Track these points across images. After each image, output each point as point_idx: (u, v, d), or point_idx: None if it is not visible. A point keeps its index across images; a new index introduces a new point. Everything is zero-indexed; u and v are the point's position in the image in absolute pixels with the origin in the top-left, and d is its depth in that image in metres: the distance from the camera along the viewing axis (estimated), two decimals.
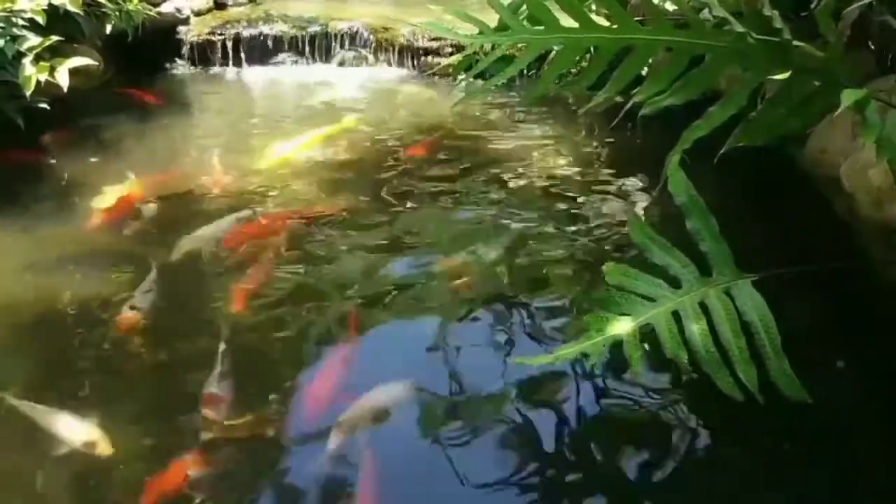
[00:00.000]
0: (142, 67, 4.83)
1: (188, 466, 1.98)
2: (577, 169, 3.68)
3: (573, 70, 3.77)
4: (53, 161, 3.69)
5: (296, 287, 2.76)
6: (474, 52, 3.38)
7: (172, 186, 3.47)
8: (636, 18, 2.35)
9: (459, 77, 4.64)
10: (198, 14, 5.35)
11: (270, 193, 3.43)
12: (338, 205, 3.30)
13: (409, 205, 3.35)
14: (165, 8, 5.03)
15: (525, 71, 4.09)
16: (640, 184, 3.46)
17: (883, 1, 2.06)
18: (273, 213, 3.24)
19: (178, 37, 5.16)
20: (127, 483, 1.96)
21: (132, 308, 2.57)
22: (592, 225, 3.17)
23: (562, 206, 3.35)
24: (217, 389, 2.21)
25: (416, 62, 5.07)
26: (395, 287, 2.79)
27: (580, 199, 3.38)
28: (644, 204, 3.27)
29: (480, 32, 2.58)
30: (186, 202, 3.38)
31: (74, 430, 2.08)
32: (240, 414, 2.15)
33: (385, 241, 3.06)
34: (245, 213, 3.20)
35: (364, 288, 2.77)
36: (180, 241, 2.95)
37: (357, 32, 5.15)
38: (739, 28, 2.06)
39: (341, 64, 5.16)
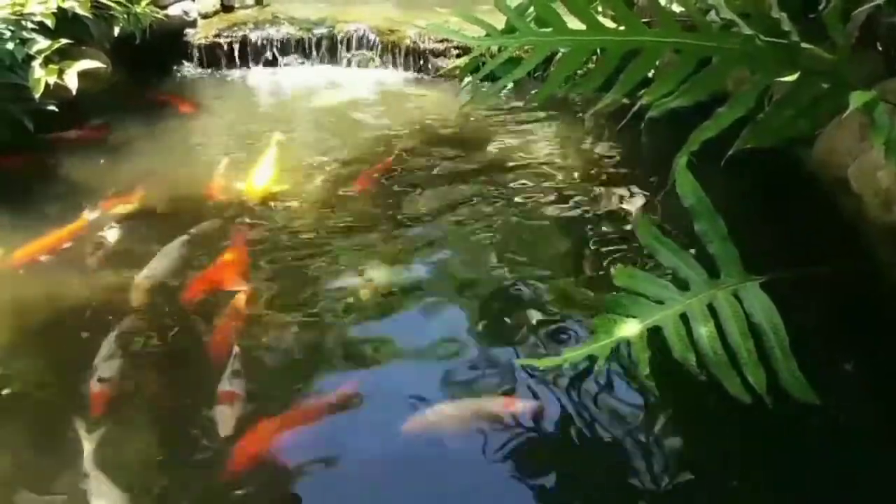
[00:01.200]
0: (149, 70, 4.85)
1: None
2: (583, 170, 3.68)
3: (580, 71, 3.77)
4: (63, 163, 3.71)
5: (281, 330, 2.57)
6: (481, 55, 3.38)
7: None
8: (643, 20, 2.36)
9: (466, 79, 4.64)
10: (205, 16, 5.36)
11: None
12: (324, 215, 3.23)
13: (412, 207, 3.35)
14: (173, 11, 5.04)
15: (531, 73, 4.10)
16: (648, 185, 3.46)
17: (892, 2, 2.05)
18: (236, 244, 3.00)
19: (186, 39, 5.18)
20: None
21: (100, 381, 2.29)
22: (599, 226, 3.17)
23: (568, 207, 3.34)
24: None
25: (422, 64, 5.08)
26: (395, 290, 2.80)
27: (587, 201, 3.38)
28: (651, 205, 3.26)
29: (487, 35, 2.59)
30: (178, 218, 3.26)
31: None
32: None
33: (386, 244, 3.07)
34: (188, 236, 3.01)
35: (362, 292, 2.77)
36: (136, 281, 2.74)
37: (363, 35, 5.16)
38: (747, 30, 2.07)
39: (348, 66, 5.17)
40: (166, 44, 4.98)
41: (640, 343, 2.08)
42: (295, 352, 2.51)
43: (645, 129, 2.63)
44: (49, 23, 3.76)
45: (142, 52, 4.61)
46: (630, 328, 2.11)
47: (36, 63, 3.67)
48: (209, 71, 5.17)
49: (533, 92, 4.47)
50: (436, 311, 2.73)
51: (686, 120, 2.41)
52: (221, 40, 5.18)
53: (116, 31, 4.37)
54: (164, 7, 4.92)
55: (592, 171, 3.66)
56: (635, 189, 3.47)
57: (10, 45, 3.62)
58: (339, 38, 5.17)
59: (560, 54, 2.90)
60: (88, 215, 3.22)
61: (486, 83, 3.78)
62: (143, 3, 4.54)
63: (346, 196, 3.45)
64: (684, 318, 2.13)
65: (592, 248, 3.04)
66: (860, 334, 2.37)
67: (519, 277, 2.87)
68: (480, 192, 3.47)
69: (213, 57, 5.18)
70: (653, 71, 2.56)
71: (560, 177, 3.63)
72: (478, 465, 2.06)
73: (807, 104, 2.26)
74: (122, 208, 3.27)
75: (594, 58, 3.23)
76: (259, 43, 5.19)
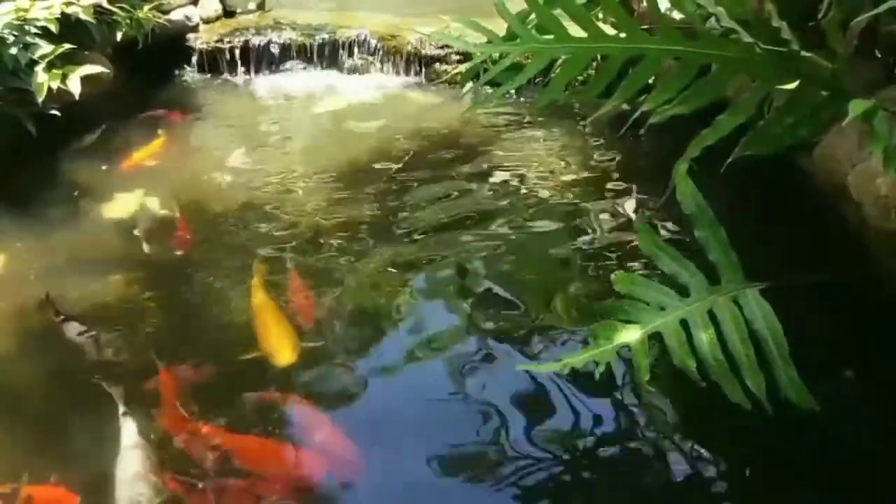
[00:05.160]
0: (151, 75, 4.86)
1: None
2: (583, 177, 3.69)
3: (581, 78, 3.79)
4: (66, 168, 3.72)
5: None
6: (482, 61, 3.39)
7: None
8: (643, 27, 2.37)
9: (467, 85, 4.65)
10: (207, 22, 5.37)
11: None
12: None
13: (412, 209, 3.37)
14: (175, 16, 5.05)
15: (533, 79, 4.12)
16: (648, 192, 3.46)
17: (890, 11, 2.06)
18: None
19: (188, 44, 5.18)
20: None
21: None
22: (599, 233, 3.18)
23: (568, 213, 3.35)
24: None
25: (423, 69, 5.09)
26: (394, 295, 2.80)
27: (587, 207, 3.39)
28: (652, 212, 3.27)
29: (489, 41, 2.60)
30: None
31: None
32: None
33: (385, 250, 3.07)
34: None
35: (366, 293, 2.79)
36: None
37: (365, 40, 5.17)
38: (747, 38, 2.08)
39: (349, 71, 5.18)
40: (168, 49, 4.99)
41: (640, 349, 2.08)
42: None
43: (645, 136, 2.65)
44: (52, 28, 3.77)
45: (144, 57, 4.62)
46: (631, 334, 2.12)
47: (39, 68, 3.68)
48: (211, 76, 5.18)
49: (534, 98, 4.48)
50: (434, 316, 2.74)
51: (686, 127, 2.42)
52: (223, 45, 5.19)
53: (119, 36, 4.38)
54: (167, 12, 4.92)
55: (593, 178, 3.67)
56: (636, 195, 3.48)
57: (13, 50, 3.64)
58: (340, 43, 5.18)
59: (561, 61, 2.91)
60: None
61: (488, 89, 3.79)
62: (146, 9, 4.55)
63: (344, 200, 3.45)
64: (685, 324, 2.14)
65: (593, 253, 3.05)
66: (860, 341, 2.37)
67: (519, 282, 2.88)
68: (480, 197, 3.48)
69: (215, 62, 5.18)
70: (653, 78, 2.57)
71: (560, 183, 3.64)
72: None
73: (807, 112, 2.28)
74: None
75: (595, 64, 3.26)
76: (261, 48, 5.19)
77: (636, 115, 2.50)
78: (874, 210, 2.14)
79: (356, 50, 5.16)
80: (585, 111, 4.20)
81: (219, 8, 5.49)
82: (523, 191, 3.55)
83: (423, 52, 5.05)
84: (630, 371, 2.25)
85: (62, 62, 3.82)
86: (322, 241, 3.13)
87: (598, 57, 2.89)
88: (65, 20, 3.87)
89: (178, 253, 3.03)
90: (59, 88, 3.71)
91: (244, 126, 4.47)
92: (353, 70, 5.17)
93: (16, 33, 3.67)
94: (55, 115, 3.72)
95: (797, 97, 2.24)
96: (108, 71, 4.16)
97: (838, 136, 2.37)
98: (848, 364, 2.35)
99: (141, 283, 2.83)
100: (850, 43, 2.15)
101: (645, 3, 2.74)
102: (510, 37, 2.60)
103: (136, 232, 3.14)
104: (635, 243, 2.95)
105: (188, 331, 2.64)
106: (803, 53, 2.10)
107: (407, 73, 5.12)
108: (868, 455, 2.06)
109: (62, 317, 2.61)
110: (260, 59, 5.20)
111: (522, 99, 4.63)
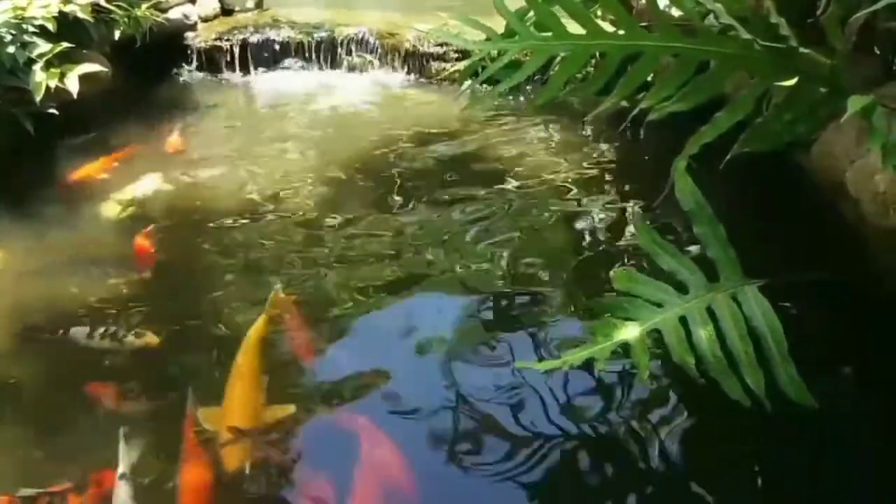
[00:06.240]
0: (149, 73, 4.85)
1: None
2: (582, 174, 3.69)
3: (580, 75, 3.78)
4: (65, 167, 3.72)
5: None
6: (481, 58, 3.39)
7: None
8: (641, 24, 2.37)
9: (466, 82, 4.65)
10: (205, 20, 5.37)
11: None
12: None
13: (411, 208, 3.36)
14: (173, 14, 5.05)
15: (531, 76, 4.11)
16: (647, 188, 3.46)
17: (889, 8, 2.06)
18: None
19: (186, 42, 5.19)
20: None
21: None
22: (598, 229, 3.18)
23: (567, 210, 3.35)
24: None
25: (421, 67, 5.09)
26: (392, 293, 2.80)
27: (586, 204, 3.39)
28: (651, 209, 3.27)
29: (487, 39, 2.60)
30: None
31: None
32: None
33: (389, 243, 3.08)
34: None
35: (367, 293, 2.79)
36: None
37: (363, 38, 5.17)
38: (746, 35, 2.08)
39: (347, 69, 5.18)
40: (166, 47, 4.99)
41: (639, 346, 2.08)
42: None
43: (644, 133, 2.65)
44: (50, 26, 3.77)
45: (142, 56, 4.62)
46: (629, 331, 2.12)
47: (37, 67, 3.68)
48: (209, 75, 5.17)
49: (533, 96, 4.48)
50: (434, 317, 2.74)
51: (685, 124, 2.42)
52: (221, 44, 5.19)
53: (117, 34, 4.38)
54: (165, 10, 4.92)
55: (591, 175, 3.67)
56: (635, 192, 3.47)
57: (11, 49, 3.63)
58: (338, 41, 5.18)
59: (560, 58, 2.91)
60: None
61: (486, 86, 3.79)
62: (144, 7, 4.55)
63: (342, 200, 3.45)
64: (683, 321, 2.14)
65: (591, 250, 3.05)
66: (859, 338, 2.37)
67: (518, 280, 2.88)
68: (479, 195, 3.47)
69: (213, 60, 5.18)
70: (652, 75, 2.57)
71: (559, 180, 3.64)
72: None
73: (805, 108, 2.27)
74: None
75: (594, 61, 3.26)
76: (259, 46, 5.19)
77: (635, 112, 2.50)
78: (872, 207, 2.14)
79: (354, 48, 5.16)
80: (584, 108, 4.20)
81: (217, 6, 5.50)
82: (522, 188, 3.54)
83: (422, 49, 5.05)
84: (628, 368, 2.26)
85: (60, 61, 3.82)
86: (320, 242, 3.12)
87: (597, 54, 2.88)
88: (62, 18, 3.87)
89: (164, 256, 3.02)
90: (57, 87, 3.71)
91: (242, 125, 4.46)
92: (352, 68, 5.17)
93: (13, 32, 3.67)
94: (53, 113, 3.72)
95: (796, 94, 2.24)
96: (106, 69, 4.16)
97: (837, 132, 2.37)
98: (847, 361, 2.36)
99: (140, 282, 2.83)
100: (849, 39, 2.15)
101: (643, 1, 2.74)
102: (509, 34, 2.60)
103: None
104: (634, 240, 2.96)
105: (187, 330, 2.64)
106: (802, 50, 2.10)
107: (405, 70, 5.13)
108: (867, 453, 2.06)
109: (60, 331, 2.57)
110: (258, 57, 5.20)
111: (521, 97, 4.62)
